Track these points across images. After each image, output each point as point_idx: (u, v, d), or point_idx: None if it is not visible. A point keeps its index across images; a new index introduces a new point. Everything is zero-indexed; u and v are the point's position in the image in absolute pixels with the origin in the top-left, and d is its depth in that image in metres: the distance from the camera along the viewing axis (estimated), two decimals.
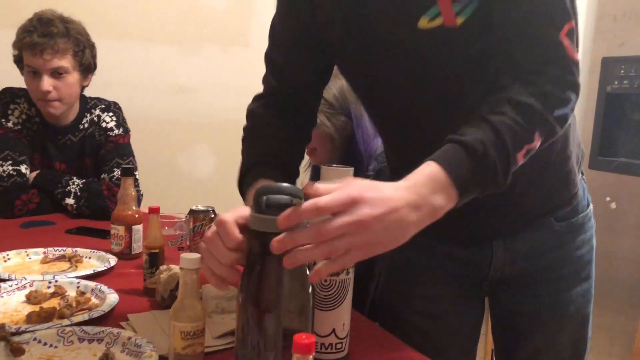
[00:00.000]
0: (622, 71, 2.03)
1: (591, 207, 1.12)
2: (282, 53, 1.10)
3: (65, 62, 1.81)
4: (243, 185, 0.99)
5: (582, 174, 1.12)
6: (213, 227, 0.77)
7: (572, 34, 0.81)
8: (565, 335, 1.09)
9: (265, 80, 1.14)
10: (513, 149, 0.77)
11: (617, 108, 2.01)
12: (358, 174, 1.47)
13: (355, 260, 0.70)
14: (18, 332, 0.90)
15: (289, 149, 1.05)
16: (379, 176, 1.49)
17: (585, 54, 2.37)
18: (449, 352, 1.15)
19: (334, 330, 0.88)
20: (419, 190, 0.72)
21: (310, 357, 0.57)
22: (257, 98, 1.13)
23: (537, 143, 0.81)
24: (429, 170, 0.75)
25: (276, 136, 1.05)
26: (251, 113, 1.10)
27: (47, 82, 1.79)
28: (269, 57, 1.13)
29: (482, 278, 1.10)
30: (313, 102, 1.15)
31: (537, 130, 0.80)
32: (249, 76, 3.05)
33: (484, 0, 0.84)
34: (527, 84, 0.80)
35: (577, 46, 0.82)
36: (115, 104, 2.04)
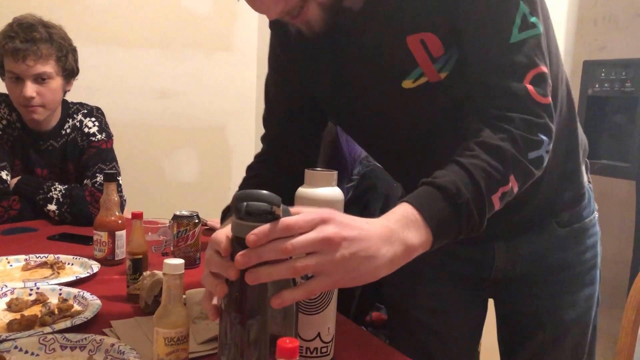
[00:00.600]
0: (603, 74, 2.06)
1: (596, 214, 1.13)
2: (276, 121, 1.13)
3: (49, 67, 1.80)
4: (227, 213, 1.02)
5: (590, 182, 1.13)
6: (210, 249, 0.75)
7: (539, 79, 0.82)
8: (567, 339, 1.09)
9: (263, 140, 1.17)
10: (487, 191, 0.77)
11: (599, 111, 2.03)
12: (342, 177, 1.48)
13: (323, 286, 0.68)
14: None
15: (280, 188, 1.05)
16: (364, 180, 1.49)
17: (567, 58, 2.40)
18: (451, 347, 1.17)
19: (319, 335, 0.88)
20: (391, 225, 0.72)
21: None
22: (256, 157, 1.16)
23: (513, 186, 0.80)
24: (401, 209, 0.74)
25: (269, 178, 1.08)
26: (248, 168, 1.14)
27: (30, 88, 1.77)
28: (265, 123, 1.16)
29: (485, 278, 1.11)
30: (312, 156, 1.15)
31: (512, 173, 0.79)
32: (232, 81, 3.06)
33: (464, 54, 0.87)
34: (496, 129, 0.80)
35: (548, 89, 0.83)
36: (98, 109, 2.02)
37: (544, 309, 1.09)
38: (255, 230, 0.66)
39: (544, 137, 0.82)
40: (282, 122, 1.12)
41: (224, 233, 0.73)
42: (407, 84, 0.91)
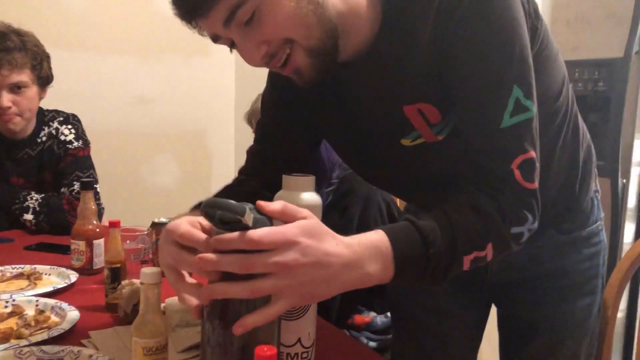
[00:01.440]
0: (577, 74, 2.09)
1: (600, 223, 1.10)
2: (273, 141, 1.09)
3: (24, 76, 1.78)
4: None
5: (598, 191, 1.11)
6: (165, 245, 0.74)
7: (527, 165, 0.81)
8: (563, 347, 1.09)
9: (251, 154, 1.12)
10: (462, 251, 0.77)
11: None
12: (322, 181, 1.48)
13: (281, 310, 0.69)
14: None
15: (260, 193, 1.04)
16: (343, 183, 1.49)
17: None
18: (450, 349, 1.17)
19: (299, 340, 0.87)
20: (359, 251, 0.72)
21: None
22: (240, 172, 1.12)
23: (487, 254, 0.80)
24: (376, 237, 0.74)
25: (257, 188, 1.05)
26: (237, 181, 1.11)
27: (6, 98, 1.75)
28: (260, 141, 1.12)
29: (481, 280, 1.11)
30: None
31: (491, 241, 0.80)
32: (211, 85, 3.04)
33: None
34: (490, 197, 0.80)
35: (534, 174, 0.82)
36: (74, 116, 2.00)
37: (540, 316, 1.08)
38: (220, 236, 0.67)
39: (529, 216, 0.82)
40: (277, 143, 1.08)
41: (183, 222, 0.73)
42: (406, 142, 0.91)
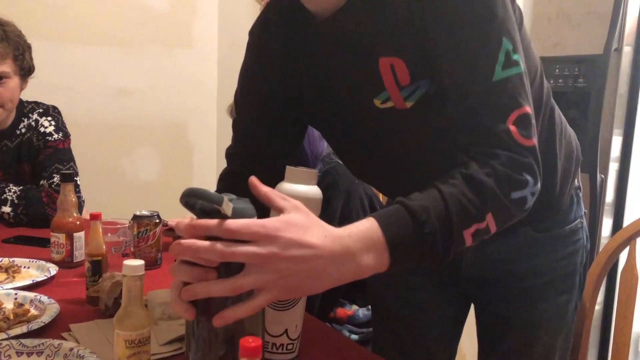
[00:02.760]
0: (557, 70, 2.11)
1: (580, 221, 1.09)
2: (250, 136, 1.08)
3: (6, 67, 1.75)
4: None
5: (579, 188, 1.10)
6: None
7: (523, 120, 0.78)
8: (537, 345, 1.08)
9: (231, 157, 1.11)
10: (459, 224, 0.74)
11: None
12: None
13: (264, 303, 0.68)
14: None
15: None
16: (325, 177, 1.50)
17: None
18: (426, 343, 1.17)
19: (286, 331, 0.88)
20: (350, 245, 0.70)
21: None
22: (222, 177, 1.11)
23: (490, 225, 0.77)
24: (367, 226, 0.72)
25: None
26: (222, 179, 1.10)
27: None
28: (239, 139, 1.10)
29: (456, 276, 1.10)
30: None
31: (490, 211, 0.76)
32: (193, 77, 3.02)
33: (433, 88, 0.84)
34: (482, 164, 0.77)
35: (532, 131, 0.79)
36: (54, 107, 1.97)
37: (514, 314, 1.08)
38: (198, 221, 0.67)
39: (529, 178, 0.78)
40: (258, 141, 1.07)
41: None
42: (377, 103, 0.89)
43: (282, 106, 1.04)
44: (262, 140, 1.07)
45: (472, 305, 1.18)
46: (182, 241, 0.66)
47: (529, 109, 0.79)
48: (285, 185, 0.86)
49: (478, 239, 0.77)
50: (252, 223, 0.66)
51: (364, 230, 0.72)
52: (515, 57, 0.79)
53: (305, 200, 0.80)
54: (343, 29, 0.90)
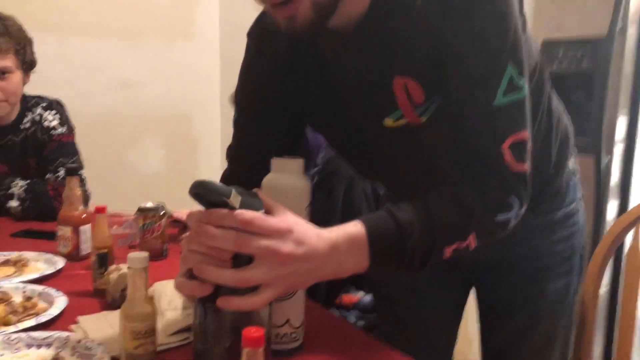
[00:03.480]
0: (561, 52, 2.10)
1: (576, 204, 1.10)
2: (252, 137, 1.08)
3: (9, 61, 1.75)
4: None
5: (575, 172, 1.10)
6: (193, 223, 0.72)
7: (518, 146, 0.80)
8: (538, 328, 1.10)
9: (233, 160, 1.12)
10: (441, 242, 0.78)
11: (558, 89, 2.07)
12: (307, 164, 1.48)
13: (268, 299, 0.71)
14: None
15: None
16: (328, 165, 1.50)
17: None
18: (430, 328, 1.18)
19: (288, 320, 0.88)
20: (338, 245, 0.74)
21: (260, 349, 0.58)
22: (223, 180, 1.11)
23: (471, 243, 0.81)
24: (353, 230, 0.76)
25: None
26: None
27: None
28: (236, 128, 1.11)
29: (456, 260, 1.11)
30: None
31: (474, 231, 0.80)
32: (195, 69, 3.02)
33: (444, 101, 0.85)
34: (472, 185, 0.80)
35: (526, 156, 0.81)
36: (58, 101, 1.97)
37: (514, 297, 1.09)
38: (213, 211, 0.69)
39: (515, 202, 0.81)
40: (260, 143, 1.07)
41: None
42: (388, 122, 0.90)
43: (282, 109, 1.04)
44: (262, 140, 1.07)
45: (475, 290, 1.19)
46: (198, 227, 0.68)
47: (526, 133, 0.81)
48: (273, 178, 0.86)
49: (457, 254, 0.81)
50: (265, 217, 0.69)
51: (349, 234, 0.75)
52: (519, 82, 0.80)
53: (292, 190, 0.81)
54: (359, 44, 0.89)
